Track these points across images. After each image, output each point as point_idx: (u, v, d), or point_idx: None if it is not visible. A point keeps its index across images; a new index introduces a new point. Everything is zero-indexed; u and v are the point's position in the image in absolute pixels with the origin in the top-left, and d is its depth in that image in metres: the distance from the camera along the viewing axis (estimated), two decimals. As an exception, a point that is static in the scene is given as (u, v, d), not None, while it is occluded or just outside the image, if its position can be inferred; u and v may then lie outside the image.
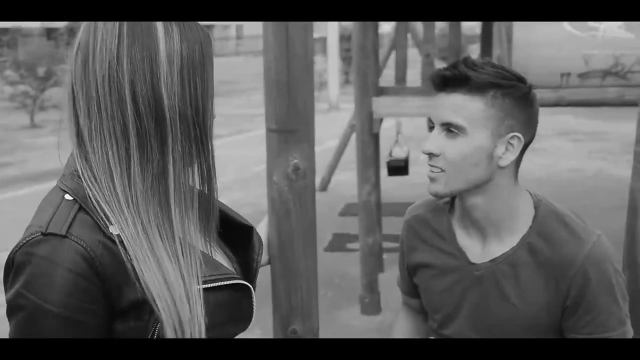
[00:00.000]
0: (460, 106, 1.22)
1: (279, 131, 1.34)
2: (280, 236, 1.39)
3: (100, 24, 0.94)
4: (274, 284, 1.42)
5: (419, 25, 5.77)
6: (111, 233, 0.93)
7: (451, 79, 1.22)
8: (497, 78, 1.21)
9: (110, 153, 0.94)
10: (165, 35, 0.95)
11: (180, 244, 0.98)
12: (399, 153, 5.05)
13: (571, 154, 9.36)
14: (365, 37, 3.76)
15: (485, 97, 1.21)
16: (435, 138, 1.24)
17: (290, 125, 1.34)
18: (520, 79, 1.24)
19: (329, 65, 15.51)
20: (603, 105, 3.86)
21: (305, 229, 1.40)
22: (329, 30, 15.26)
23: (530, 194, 1.31)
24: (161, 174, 0.97)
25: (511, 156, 1.24)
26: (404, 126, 5.49)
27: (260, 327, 1.08)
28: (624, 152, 9.12)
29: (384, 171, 4.91)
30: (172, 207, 0.98)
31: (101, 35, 0.93)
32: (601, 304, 1.20)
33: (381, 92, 4.16)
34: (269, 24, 1.30)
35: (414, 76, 7.63)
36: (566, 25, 3.57)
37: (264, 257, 1.42)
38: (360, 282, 4.26)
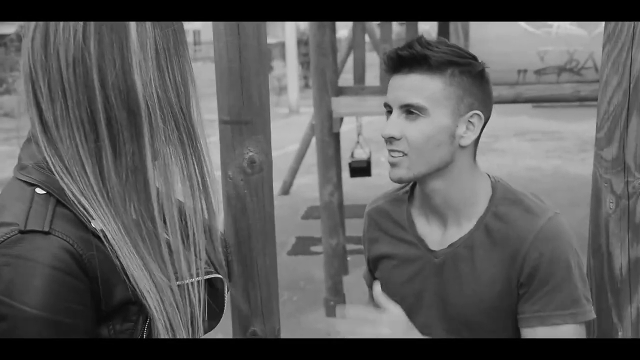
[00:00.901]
0: (420, 86, 1.19)
1: (232, 122, 1.29)
2: (238, 233, 1.34)
3: None
4: (232, 283, 1.36)
5: (376, 28, 5.77)
6: (94, 228, 0.85)
7: (408, 59, 1.19)
8: (454, 56, 1.19)
9: (79, 144, 0.86)
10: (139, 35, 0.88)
11: (166, 245, 0.91)
12: (360, 154, 5.04)
13: (529, 153, 9.50)
14: (323, 35, 3.73)
15: (444, 76, 1.19)
16: (395, 121, 1.21)
17: (244, 116, 1.28)
18: (474, 57, 1.23)
19: (288, 70, 15.50)
20: (559, 101, 3.91)
21: (264, 225, 1.35)
22: (287, 35, 15.25)
23: (488, 175, 1.29)
24: (138, 169, 0.89)
25: (472, 135, 1.23)
26: (365, 128, 5.48)
27: (219, 328, 1.01)
28: (580, 150, 9.30)
29: (346, 173, 4.88)
30: (155, 205, 0.90)
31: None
32: (553, 280, 1.18)
33: (340, 92, 4.12)
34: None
35: (373, 79, 7.65)
36: (521, 22, 3.60)
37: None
38: (324, 284, 4.22)
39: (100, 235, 0.85)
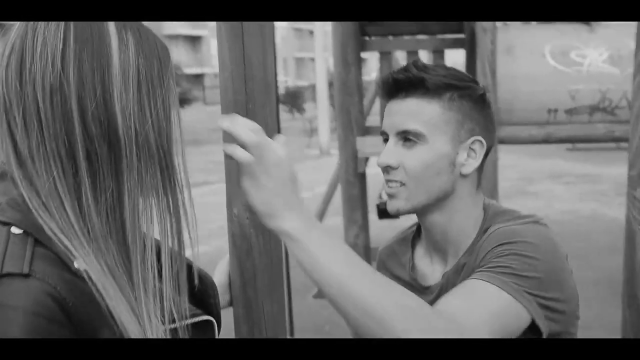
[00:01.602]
0: (417, 111, 1.12)
1: (238, 158, 1.22)
2: (243, 275, 1.26)
3: (42, 22, 0.80)
4: (236, 328, 1.28)
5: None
6: (77, 268, 0.78)
7: (404, 83, 1.13)
8: (452, 79, 1.12)
9: (57, 178, 0.80)
10: (119, 45, 0.82)
11: (140, 288, 0.83)
12: (388, 195, 4.93)
13: (563, 196, 9.29)
14: (348, 73, 3.70)
15: (442, 100, 1.12)
16: (392, 149, 1.14)
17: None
18: (475, 81, 1.16)
19: (319, 112, 15.56)
20: (592, 142, 3.78)
21: (271, 267, 1.27)
22: (318, 77, 15.36)
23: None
24: (116, 207, 0.83)
25: (474, 163, 1.15)
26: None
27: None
28: (617, 194, 9.05)
29: (373, 215, 4.79)
30: (129, 244, 0.84)
31: (42, 38, 0.79)
32: (489, 257, 1.05)
33: (367, 131, 4.07)
34: (224, 40, 1.19)
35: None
36: (550, 59, 3.52)
37: (225, 298, 1.28)
38: (350, 329, 4.10)
39: (85, 276, 0.78)
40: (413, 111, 1.12)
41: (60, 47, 0.79)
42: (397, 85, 1.14)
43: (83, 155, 0.80)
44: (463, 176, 1.15)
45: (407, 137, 1.12)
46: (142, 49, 0.84)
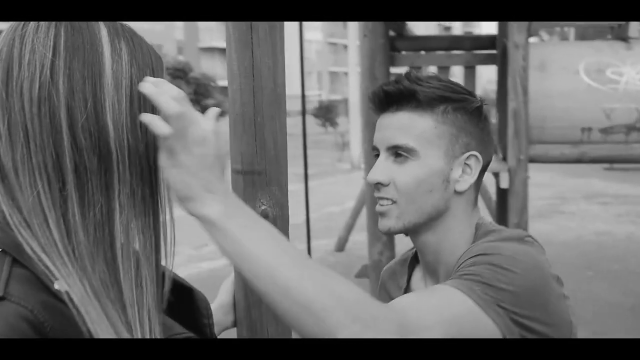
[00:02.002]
0: (408, 125, 1.07)
1: (244, 173, 1.17)
2: (247, 297, 1.20)
3: (30, 30, 0.76)
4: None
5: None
6: (58, 290, 0.73)
7: (395, 96, 1.08)
8: (446, 91, 1.07)
9: (42, 192, 0.75)
10: (112, 54, 0.78)
11: (132, 308, 0.79)
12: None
13: (599, 217, 9.05)
14: (375, 87, 3.63)
15: (435, 113, 1.07)
16: (382, 165, 1.09)
17: (257, 165, 1.16)
18: (471, 93, 1.10)
19: (351, 126, 15.53)
20: (628, 162, 3.65)
21: (276, 287, 1.21)
22: (351, 91, 15.36)
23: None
24: (105, 223, 0.78)
25: (469, 179, 1.09)
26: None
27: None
28: (655, 215, 8.79)
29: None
30: (120, 267, 0.79)
31: (31, 45, 0.75)
32: (463, 266, 0.99)
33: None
34: (233, 50, 1.15)
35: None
36: (584, 76, 3.41)
37: (229, 318, 1.24)
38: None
39: (65, 298, 0.73)
40: (404, 125, 1.07)
41: (50, 55, 0.75)
42: (388, 98, 1.09)
43: (71, 168, 0.76)
44: (458, 193, 1.09)
45: (398, 153, 1.08)
46: (135, 58, 0.80)
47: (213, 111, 0.86)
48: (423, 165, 1.06)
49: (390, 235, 1.15)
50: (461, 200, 1.10)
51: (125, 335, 0.76)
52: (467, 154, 1.08)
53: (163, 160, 0.80)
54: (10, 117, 0.75)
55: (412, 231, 1.12)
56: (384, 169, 1.08)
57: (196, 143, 0.79)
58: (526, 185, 3.50)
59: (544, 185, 11.25)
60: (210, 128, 0.81)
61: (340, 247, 7.16)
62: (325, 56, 50.64)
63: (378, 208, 1.11)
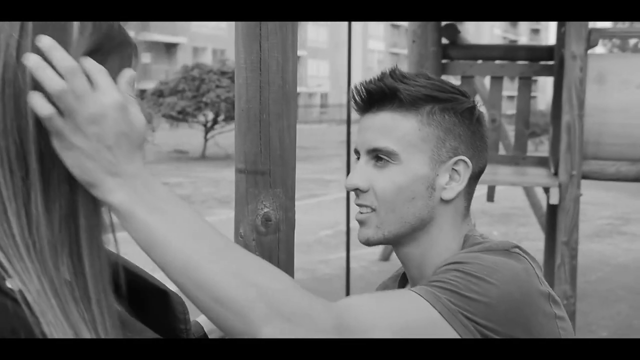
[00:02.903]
0: (389, 126, 0.98)
1: (247, 172, 1.11)
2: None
3: None
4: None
5: (487, 85, 5.50)
6: (10, 288, 0.68)
7: (377, 94, 1.00)
8: (432, 90, 0.98)
9: (2, 181, 0.70)
10: (79, 37, 0.73)
11: (98, 307, 0.73)
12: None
13: (662, 240, 8.63)
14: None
15: (420, 114, 0.98)
16: (362, 170, 1.01)
17: (260, 165, 1.10)
18: (462, 93, 1.01)
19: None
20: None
21: (277, 295, 1.14)
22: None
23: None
24: (70, 215, 0.73)
25: (457, 186, 1.00)
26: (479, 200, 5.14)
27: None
28: None
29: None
30: (85, 259, 0.74)
31: None
32: (439, 272, 0.91)
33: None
34: (240, 41, 1.09)
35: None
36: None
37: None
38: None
39: (18, 297, 0.67)
40: (386, 127, 0.99)
41: (17, 36, 0.70)
42: (370, 97, 1.01)
43: (36, 156, 0.71)
44: (444, 202, 1.00)
45: (378, 156, 1.00)
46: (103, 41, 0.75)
47: (124, 77, 0.76)
48: (405, 171, 0.98)
49: (370, 246, 1.05)
50: (448, 210, 1.01)
51: (87, 336, 0.70)
52: (455, 158, 1.00)
53: (55, 143, 0.72)
54: None
55: (394, 242, 1.04)
56: (363, 174, 1.01)
57: (89, 121, 0.70)
58: (577, 202, 3.33)
59: (605, 204, 10.82)
60: (111, 102, 0.71)
61: (385, 256, 7.04)
62: (387, 66, 50.49)
63: (357, 216, 1.03)
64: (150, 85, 23.19)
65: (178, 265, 0.73)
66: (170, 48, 34.92)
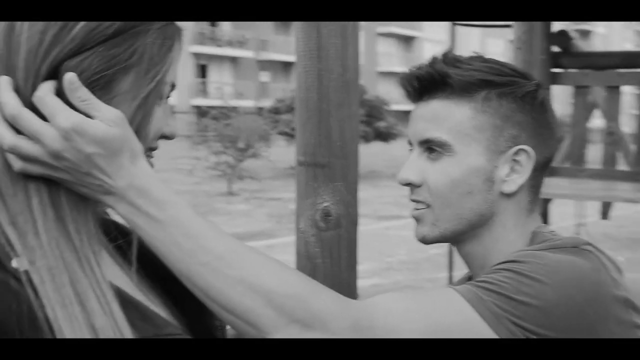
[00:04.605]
0: (441, 115, 0.91)
1: (307, 164, 1.07)
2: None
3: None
4: None
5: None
6: (15, 268, 0.67)
7: (426, 81, 0.92)
8: (488, 74, 0.89)
9: None
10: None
11: (106, 285, 0.71)
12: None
13: None
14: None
15: (474, 101, 0.90)
16: (414, 163, 0.93)
17: (319, 157, 1.06)
18: (524, 75, 0.92)
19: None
20: None
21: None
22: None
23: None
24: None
25: (519, 179, 0.91)
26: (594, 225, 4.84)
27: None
28: None
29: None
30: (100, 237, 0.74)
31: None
32: (489, 271, 0.82)
33: (552, 172, 3.66)
34: (300, 29, 1.05)
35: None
36: None
37: None
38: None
39: (23, 277, 0.66)
40: (437, 116, 0.91)
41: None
42: (420, 85, 0.93)
43: None
44: (505, 196, 0.91)
45: (430, 148, 0.92)
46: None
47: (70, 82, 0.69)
48: (459, 163, 0.90)
49: (427, 244, 0.97)
50: (510, 205, 0.92)
51: (97, 313, 0.68)
52: (515, 148, 0.90)
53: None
54: (9, 61, 0.70)
55: (452, 240, 0.96)
56: (416, 167, 0.93)
57: (55, 157, 0.68)
58: None
59: None
60: (66, 131, 0.68)
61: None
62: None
63: (412, 212, 0.96)
64: (267, 103, 23.88)
65: (183, 274, 0.73)
66: (287, 66, 35.86)
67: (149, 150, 0.78)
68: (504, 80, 0.90)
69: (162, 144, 0.82)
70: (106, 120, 0.69)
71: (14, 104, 0.68)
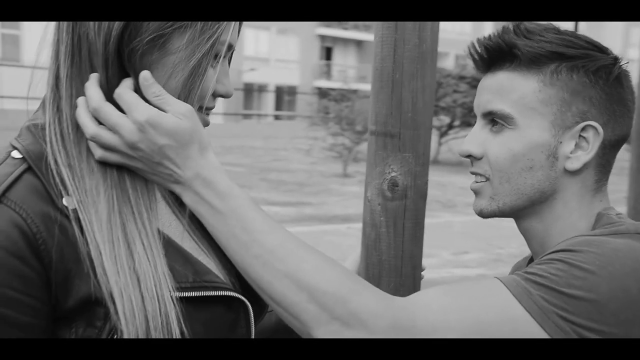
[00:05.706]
0: (506, 87, 0.88)
1: (377, 134, 1.08)
2: (368, 269, 1.11)
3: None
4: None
5: None
6: (64, 206, 0.73)
7: (494, 52, 0.89)
8: (560, 46, 0.85)
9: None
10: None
11: (159, 234, 0.77)
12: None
13: None
14: None
15: (542, 74, 0.87)
16: (476, 135, 0.92)
17: (390, 127, 1.06)
18: (600, 49, 0.86)
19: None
20: None
21: (400, 266, 1.09)
22: None
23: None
24: None
25: (584, 156, 0.86)
26: None
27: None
28: None
29: None
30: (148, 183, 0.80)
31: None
32: (540, 261, 0.80)
33: None
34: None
35: None
36: None
37: None
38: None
39: (71, 214, 0.72)
40: (502, 88, 0.89)
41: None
42: (489, 55, 0.91)
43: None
44: (569, 173, 0.87)
45: (494, 120, 0.90)
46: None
47: (142, 83, 0.77)
48: (522, 137, 0.88)
49: (484, 217, 0.95)
50: (574, 183, 0.88)
51: (142, 258, 0.73)
52: (583, 124, 0.87)
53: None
54: (74, 33, 0.77)
55: (511, 215, 0.93)
56: (477, 139, 0.92)
57: (131, 148, 0.76)
58: None
59: None
60: (141, 123, 0.75)
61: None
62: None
63: (471, 185, 0.95)
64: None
65: (239, 264, 0.78)
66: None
67: (207, 109, 0.82)
68: (576, 53, 0.87)
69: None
70: (177, 113, 0.75)
71: (97, 98, 0.76)
